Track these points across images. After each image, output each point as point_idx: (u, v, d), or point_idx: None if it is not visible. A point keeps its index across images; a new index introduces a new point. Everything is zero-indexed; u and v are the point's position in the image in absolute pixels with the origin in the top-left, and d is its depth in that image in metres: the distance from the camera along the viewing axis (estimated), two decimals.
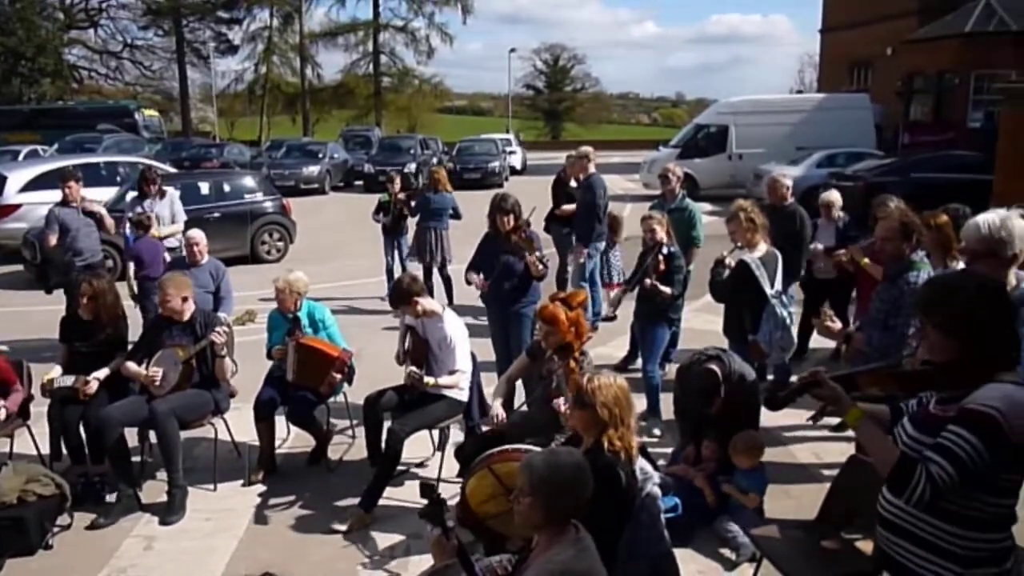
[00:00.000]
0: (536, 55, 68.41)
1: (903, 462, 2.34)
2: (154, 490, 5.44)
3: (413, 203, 10.17)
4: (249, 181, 14.71)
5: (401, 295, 5.26)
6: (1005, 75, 20.26)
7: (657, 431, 6.08)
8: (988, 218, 3.40)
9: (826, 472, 5.32)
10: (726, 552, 4.53)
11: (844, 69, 32.27)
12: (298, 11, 48.75)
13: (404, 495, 5.23)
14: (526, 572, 2.62)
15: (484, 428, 5.19)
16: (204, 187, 13.60)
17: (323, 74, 52.43)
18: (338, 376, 5.59)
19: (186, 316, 5.47)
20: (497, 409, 4.76)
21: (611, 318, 8.88)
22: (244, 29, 50.11)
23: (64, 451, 5.53)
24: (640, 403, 6.32)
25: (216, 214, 13.20)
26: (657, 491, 3.51)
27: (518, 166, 32.35)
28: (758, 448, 4.70)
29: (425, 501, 2.66)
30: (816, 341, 7.33)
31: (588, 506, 3.15)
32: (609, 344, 8.31)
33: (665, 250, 6.08)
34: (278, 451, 5.92)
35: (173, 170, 17.11)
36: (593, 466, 3.11)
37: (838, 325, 4.33)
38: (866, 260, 5.57)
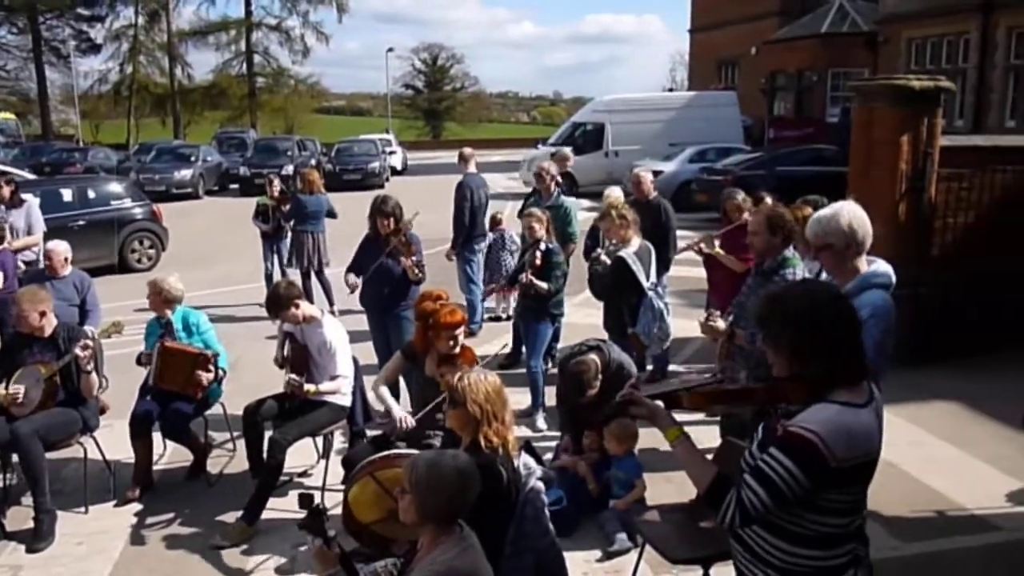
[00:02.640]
0: (415, 54, 68.22)
1: (716, 483, 2.32)
2: (20, 516, 5.13)
3: (286, 207, 9.94)
4: (116, 187, 14.08)
5: (278, 301, 5.15)
6: (858, 73, 21.51)
7: (542, 425, 6.17)
8: (822, 212, 3.51)
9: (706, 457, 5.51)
10: (610, 540, 4.63)
11: (712, 67, 33.52)
12: (165, 8, 46.90)
13: (288, 506, 5.11)
14: (411, 574, 2.61)
15: (371, 433, 5.14)
16: (67, 194, 12.90)
17: (194, 74, 50.67)
18: (203, 375, 5.34)
19: (47, 331, 5.18)
20: (400, 412, 4.64)
21: (499, 318, 8.97)
22: (107, 27, 47.86)
23: None
24: (525, 398, 6.44)
25: (81, 222, 12.58)
26: (540, 485, 3.56)
27: (399, 166, 32.19)
28: (631, 436, 4.84)
29: (305, 512, 2.62)
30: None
31: (473, 506, 3.18)
32: (493, 342, 8.36)
33: (543, 246, 6.17)
34: (155, 467, 5.69)
35: (32, 176, 16.19)
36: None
37: (722, 324, 4.45)
38: (719, 250, 5.77)
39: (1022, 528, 4.67)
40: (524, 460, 3.70)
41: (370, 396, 5.43)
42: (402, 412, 4.64)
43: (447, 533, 2.62)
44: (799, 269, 4.42)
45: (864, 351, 2.39)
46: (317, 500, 2.66)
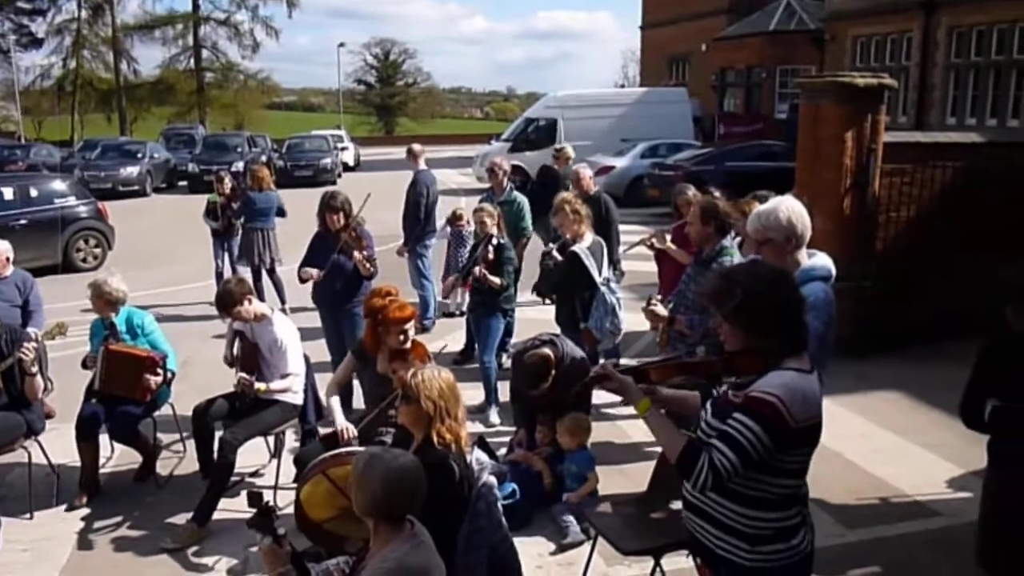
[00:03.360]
0: (367, 49, 67.80)
1: (688, 450, 2.45)
2: None
3: (235, 204, 9.81)
4: (59, 185, 13.77)
5: (228, 298, 5.09)
6: (806, 70, 21.91)
7: (495, 420, 6.19)
8: (762, 207, 3.60)
9: (657, 449, 5.57)
10: (563, 533, 4.68)
11: (663, 64, 33.81)
12: (109, 2, 45.85)
13: (240, 506, 5.01)
14: (362, 572, 2.61)
15: (323, 431, 5.11)
16: (8, 192, 12.61)
17: (140, 69, 49.61)
18: (152, 379, 5.26)
19: None
20: (344, 423, 4.61)
21: (452, 314, 8.96)
22: (49, 21, 46.68)
23: None
24: (479, 394, 6.45)
25: (22, 221, 12.31)
26: (493, 480, 3.57)
27: (351, 162, 31.94)
28: (584, 429, 4.89)
29: (254, 510, 2.60)
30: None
31: (424, 500, 3.19)
32: (447, 337, 8.35)
33: (495, 241, 6.19)
34: (102, 471, 5.59)
35: None
36: (424, 462, 3.15)
37: (663, 310, 4.54)
38: (670, 244, 5.85)
39: (960, 513, 4.80)
40: (476, 455, 3.72)
41: (322, 394, 5.40)
42: (345, 423, 4.59)
43: (397, 530, 2.62)
44: (736, 257, 4.54)
45: (804, 324, 2.57)
46: (267, 498, 2.65)
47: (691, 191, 6.42)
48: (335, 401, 4.80)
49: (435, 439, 3.31)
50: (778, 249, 3.57)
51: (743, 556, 2.52)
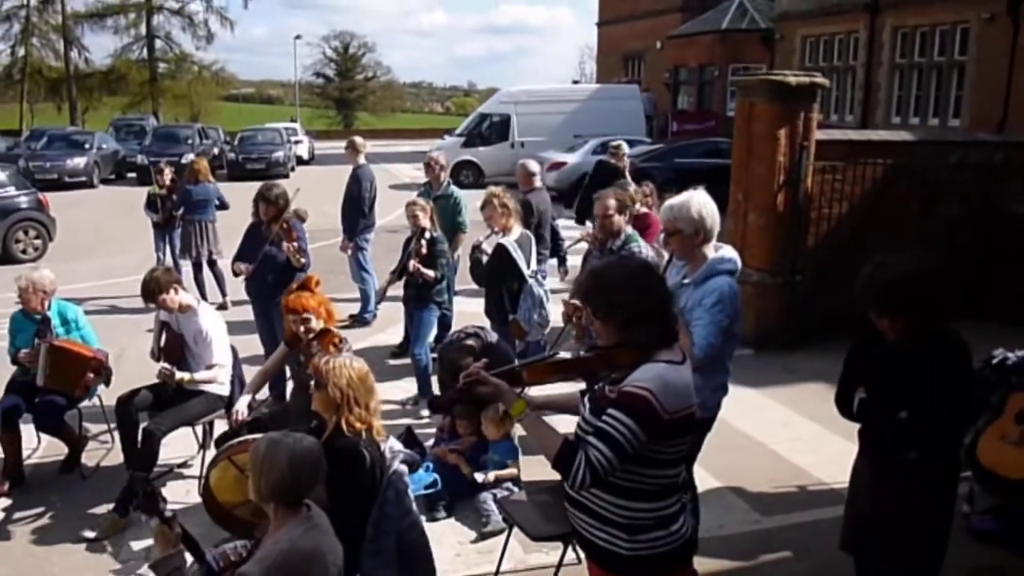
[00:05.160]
0: (325, 42, 66.96)
1: (565, 450, 2.46)
2: None
3: (175, 196, 9.73)
4: None
5: (152, 287, 5.07)
6: (757, 68, 22.18)
7: (425, 412, 6.23)
8: (673, 200, 3.71)
9: None
10: (484, 521, 4.75)
11: (619, 61, 34.03)
12: None
13: (166, 497, 5.06)
14: (256, 554, 2.65)
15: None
16: None
17: (91, 58, 48.55)
18: (93, 377, 5.28)
19: None
20: (241, 406, 4.65)
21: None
22: None
23: None
24: (414, 386, 6.50)
25: None
26: (403, 468, 3.62)
27: (306, 156, 31.67)
28: (507, 420, 4.95)
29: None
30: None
31: (334, 486, 3.24)
32: (386, 331, 8.40)
33: (428, 235, 6.23)
34: (28, 461, 5.54)
35: None
36: (334, 448, 3.20)
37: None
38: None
39: None
40: (389, 444, 3.77)
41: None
42: (242, 406, 4.69)
43: (293, 514, 2.66)
44: (641, 244, 4.64)
45: (673, 316, 2.62)
46: (151, 482, 2.67)
47: (631, 187, 6.51)
48: (248, 388, 4.89)
49: (344, 427, 3.35)
50: (686, 241, 3.68)
51: (622, 546, 2.54)
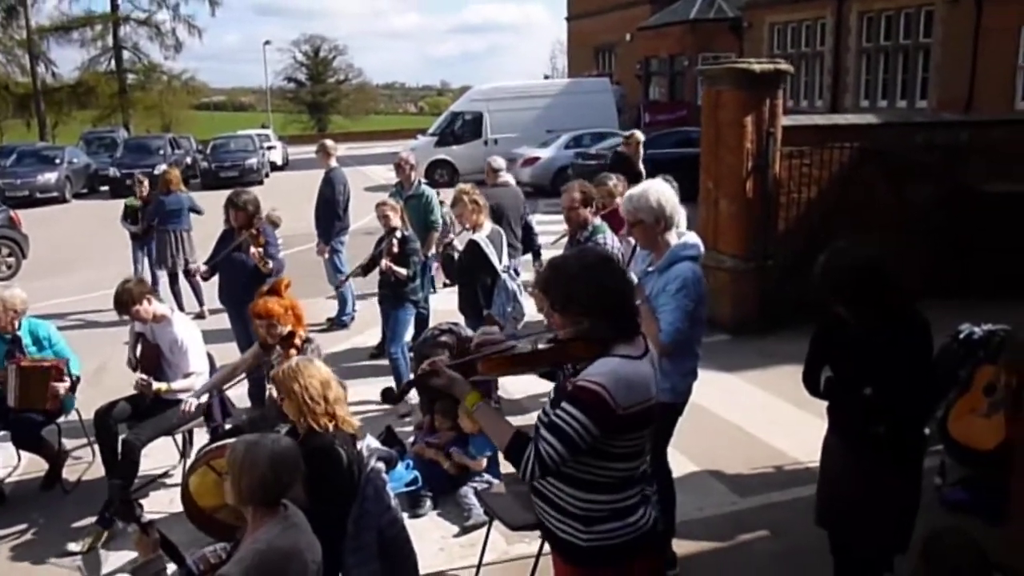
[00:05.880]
0: (295, 47, 66.55)
1: (515, 441, 2.49)
2: None
3: (147, 207, 9.73)
4: None
5: (124, 298, 5.07)
6: (727, 57, 22.32)
7: (404, 411, 6.26)
8: (633, 190, 3.78)
9: None
10: (466, 516, 4.79)
11: (590, 54, 34.15)
12: (23, 3, 44.36)
13: (148, 507, 5.06)
14: (234, 555, 2.69)
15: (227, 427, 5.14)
16: None
17: (59, 72, 48.05)
18: (60, 386, 5.24)
19: None
20: (191, 400, 4.83)
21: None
22: None
23: None
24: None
25: None
26: (381, 465, 3.67)
27: (279, 161, 31.54)
28: None
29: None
30: None
31: (312, 486, 3.28)
32: (365, 333, 8.42)
33: (399, 234, 6.27)
34: (8, 480, 5.57)
35: None
36: (309, 448, 3.24)
37: None
38: None
39: None
40: (367, 442, 3.82)
41: (232, 392, 5.41)
42: (193, 398, 4.87)
43: (271, 514, 2.70)
44: (608, 234, 4.70)
45: (633, 309, 2.63)
46: (127, 490, 2.70)
47: (612, 180, 6.55)
48: (212, 382, 5.08)
49: (315, 427, 3.39)
50: (648, 230, 3.74)
51: (580, 537, 2.56)
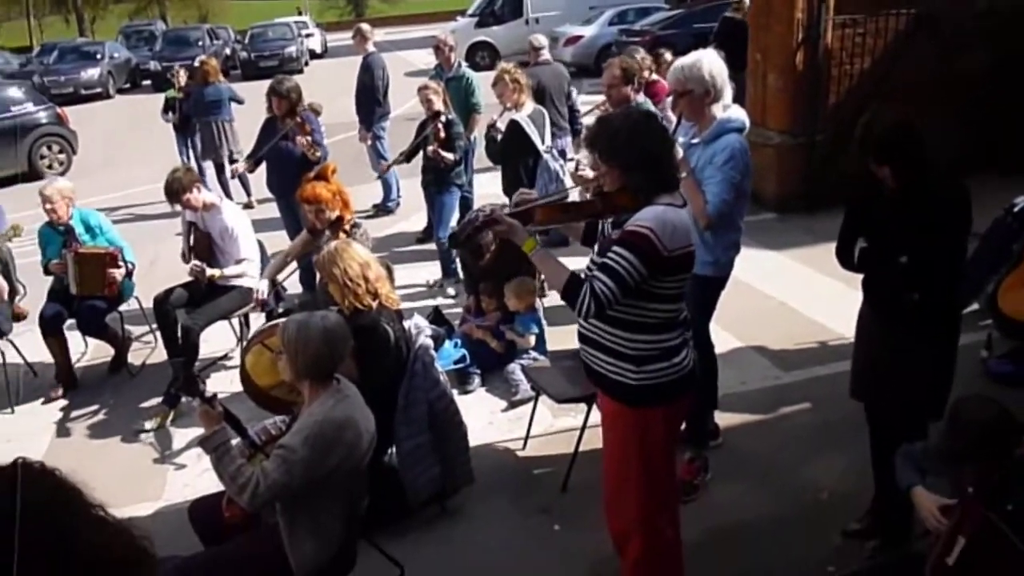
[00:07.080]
0: None
1: (571, 281, 2.65)
2: None
3: (187, 99, 9.75)
4: (15, 92, 13.53)
5: (175, 186, 5.15)
6: None
7: (452, 291, 6.38)
8: (683, 59, 3.67)
9: None
10: (513, 391, 4.95)
11: None
12: None
13: (210, 388, 5.29)
14: (293, 427, 2.83)
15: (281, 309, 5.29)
16: None
17: None
18: (116, 272, 5.39)
19: None
20: (261, 286, 4.86)
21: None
22: None
23: None
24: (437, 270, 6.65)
25: None
26: (429, 342, 3.79)
27: (318, 49, 31.13)
28: (529, 292, 5.09)
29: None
30: None
31: (362, 363, 3.41)
32: (411, 218, 8.49)
33: (443, 118, 6.23)
34: (78, 365, 5.83)
35: None
36: (356, 327, 3.34)
37: (591, 173, 4.62)
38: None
39: None
40: (415, 321, 3.92)
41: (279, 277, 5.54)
42: (263, 286, 4.93)
43: (324, 387, 2.83)
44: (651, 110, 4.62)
45: (674, 164, 2.79)
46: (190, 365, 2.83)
47: (639, 54, 6.40)
48: (268, 267, 5.18)
49: (359, 306, 3.50)
50: (696, 101, 3.66)
51: (631, 376, 2.73)
